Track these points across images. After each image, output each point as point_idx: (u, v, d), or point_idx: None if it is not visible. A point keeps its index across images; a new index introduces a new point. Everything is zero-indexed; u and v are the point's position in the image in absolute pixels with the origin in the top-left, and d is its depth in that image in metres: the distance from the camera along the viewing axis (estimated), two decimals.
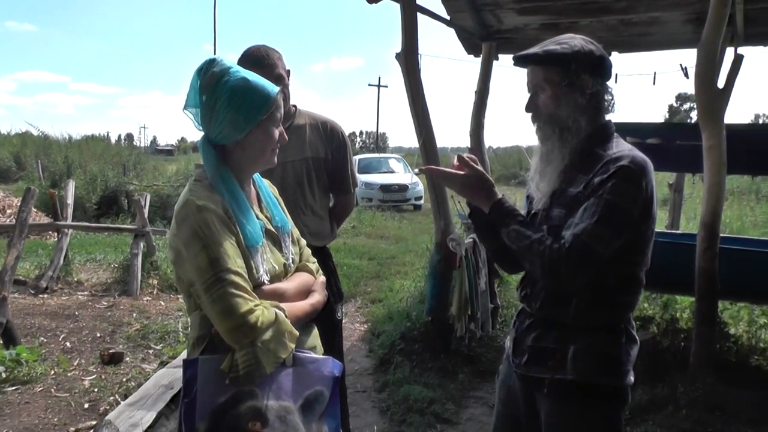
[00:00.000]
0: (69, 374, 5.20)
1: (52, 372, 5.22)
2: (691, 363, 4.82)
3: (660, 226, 10.66)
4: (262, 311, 1.86)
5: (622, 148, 2.08)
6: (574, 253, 1.92)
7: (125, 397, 4.58)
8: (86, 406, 4.62)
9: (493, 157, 35.43)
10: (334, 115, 3.54)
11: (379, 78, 52.85)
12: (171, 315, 7.01)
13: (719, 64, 5.38)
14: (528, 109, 2.20)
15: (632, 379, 2.14)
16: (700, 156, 4.76)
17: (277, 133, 2.08)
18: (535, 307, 2.19)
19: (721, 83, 4.75)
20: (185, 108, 2.04)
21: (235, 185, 2.01)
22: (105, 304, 7.39)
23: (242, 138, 2.00)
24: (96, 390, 4.89)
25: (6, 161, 25.81)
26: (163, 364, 5.33)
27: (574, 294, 2.05)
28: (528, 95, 2.20)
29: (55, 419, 4.39)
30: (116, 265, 8.74)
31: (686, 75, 5.28)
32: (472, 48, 7.48)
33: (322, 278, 2.28)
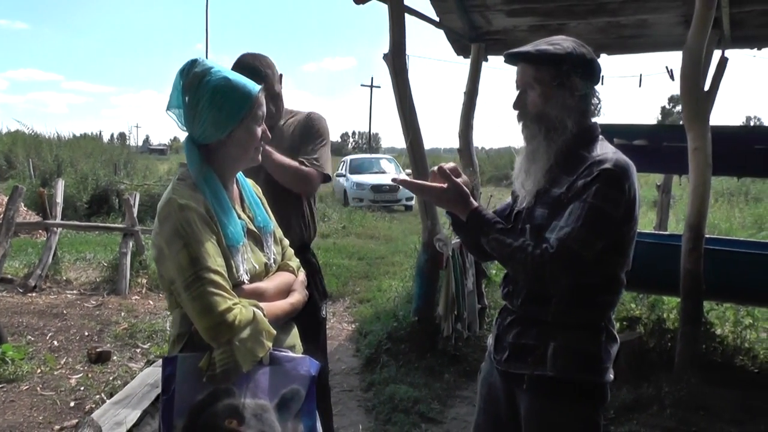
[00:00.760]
0: (56, 373, 5.20)
1: (39, 370, 5.22)
2: (676, 363, 4.85)
3: (648, 227, 10.72)
4: (240, 310, 1.87)
5: (606, 150, 2.09)
6: (558, 257, 1.93)
7: (111, 395, 4.58)
8: (72, 404, 4.62)
9: (485, 158, 35.56)
10: (326, 115, 3.42)
11: (372, 78, 52.65)
12: (159, 314, 7.00)
13: (706, 66, 5.42)
14: (515, 106, 2.20)
15: (612, 377, 2.16)
16: (686, 157, 4.79)
17: (259, 131, 2.09)
18: (516, 305, 2.21)
19: (707, 86, 4.79)
20: (168, 109, 2.06)
21: (217, 185, 2.03)
22: (93, 303, 7.39)
23: (225, 137, 2.02)
24: (82, 388, 4.90)
25: None
26: (149, 363, 5.33)
27: (555, 293, 2.07)
28: (516, 93, 2.21)
29: (41, 417, 4.39)
30: (105, 264, 8.73)
31: (672, 77, 5.31)
32: (461, 49, 7.49)
33: (302, 277, 2.30)
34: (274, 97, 3.14)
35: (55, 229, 8.68)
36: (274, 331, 1.97)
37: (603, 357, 2.12)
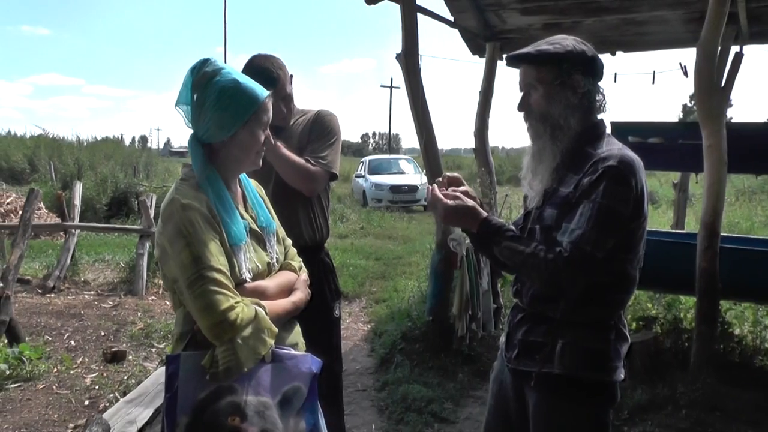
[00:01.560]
0: (71, 372, 5.25)
1: (55, 370, 5.27)
2: (691, 363, 4.81)
3: (665, 225, 10.62)
4: (243, 308, 1.89)
5: (612, 147, 2.08)
6: (573, 261, 1.92)
7: (125, 394, 4.63)
8: (86, 403, 4.66)
9: (504, 158, 35.50)
10: (346, 116, 3.36)
11: (392, 79, 52.49)
12: (175, 314, 7.03)
13: (723, 62, 5.37)
14: (520, 108, 2.22)
15: (622, 376, 2.13)
16: (702, 155, 4.74)
17: (263, 136, 2.11)
18: (525, 302, 2.21)
19: (723, 82, 4.74)
20: (177, 105, 2.08)
21: (220, 185, 2.05)
22: (110, 303, 7.45)
23: (228, 138, 2.04)
24: (97, 387, 4.94)
25: (20, 163, 25.96)
26: (164, 363, 5.36)
27: (572, 296, 2.06)
28: (520, 94, 2.21)
29: (55, 416, 4.43)
30: (123, 265, 8.81)
31: (685, 74, 5.26)
32: (476, 48, 7.47)
33: (304, 276, 2.31)
34: (285, 99, 3.15)
35: (73, 230, 8.78)
36: (276, 329, 1.98)
37: (612, 355, 2.10)
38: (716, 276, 4.71)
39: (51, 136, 29.60)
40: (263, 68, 3.05)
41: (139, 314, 6.99)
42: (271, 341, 1.96)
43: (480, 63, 7.40)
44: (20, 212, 13.04)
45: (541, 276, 1.99)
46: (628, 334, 2.19)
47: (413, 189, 20.95)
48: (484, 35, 7.01)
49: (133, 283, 8.07)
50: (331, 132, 3.24)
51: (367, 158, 26.30)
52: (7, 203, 12.96)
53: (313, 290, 2.95)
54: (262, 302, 1.99)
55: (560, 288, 1.99)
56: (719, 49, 4.74)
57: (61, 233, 9.54)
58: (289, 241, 2.38)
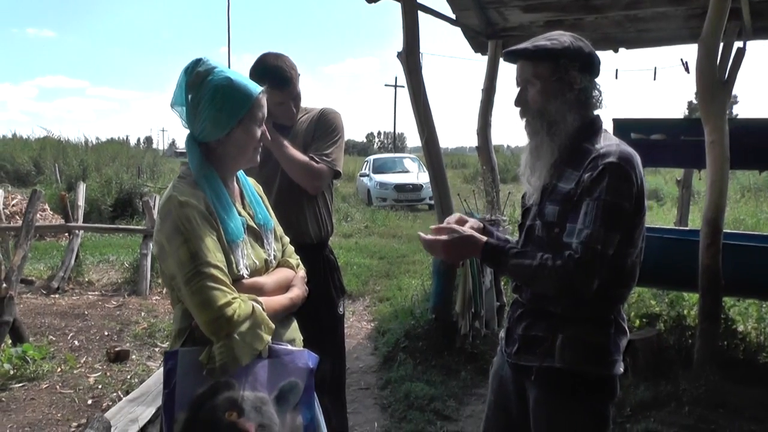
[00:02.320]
0: (75, 371, 5.27)
1: (59, 369, 5.29)
2: (695, 360, 4.79)
3: (670, 222, 10.60)
4: (240, 304, 1.90)
5: (609, 142, 2.09)
6: (584, 261, 1.93)
7: (128, 393, 4.63)
8: (89, 402, 4.68)
9: (509, 156, 35.41)
10: (351, 115, 3.36)
11: (396, 78, 52.53)
12: (173, 311, 7.05)
13: (726, 58, 5.35)
14: (517, 103, 2.22)
15: (621, 369, 2.13)
16: (704, 151, 4.73)
17: (259, 132, 2.12)
18: (526, 297, 2.21)
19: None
20: (172, 106, 2.08)
21: (217, 182, 2.06)
22: (114, 303, 7.47)
23: (224, 136, 2.05)
24: (100, 387, 4.96)
25: (26, 165, 26.03)
26: None
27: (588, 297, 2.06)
28: (517, 90, 2.22)
29: (59, 415, 4.45)
30: (127, 266, 8.84)
31: (687, 70, 5.25)
32: (478, 46, 7.46)
33: (302, 273, 2.32)
34: (296, 99, 3.16)
35: (76, 231, 8.80)
36: (273, 325, 1.99)
37: (612, 349, 2.10)
38: (719, 273, 4.69)
39: (56, 138, 29.67)
40: (276, 67, 3.06)
41: (142, 314, 7.01)
42: (268, 337, 1.96)
43: (483, 61, 7.40)
44: (24, 213, 13.16)
45: (555, 284, 1.99)
46: (627, 328, 2.18)
47: (418, 188, 20.94)
48: (486, 33, 7.00)
49: (137, 284, 8.09)
50: (334, 130, 3.25)
51: (372, 157, 26.27)
52: (13, 205, 12.99)
53: (318, 287, 2.97)
54: (259, 298, 2.00)
55: (575, 291, 1.98)
56: (722, 44, 4.73)
57: (66, 234, 9.57)
58: (286, 239, 2.39)
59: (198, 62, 2.05)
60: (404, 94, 5.59)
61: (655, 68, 6.12)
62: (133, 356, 5.66)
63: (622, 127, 5.68)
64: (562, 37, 2.14)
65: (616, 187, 1.96)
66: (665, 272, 5.10)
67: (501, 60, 7.16)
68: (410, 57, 5.36)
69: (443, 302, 5.62)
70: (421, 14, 5.55)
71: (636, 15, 6.17)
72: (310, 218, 3.22)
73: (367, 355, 5.91)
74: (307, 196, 3.19)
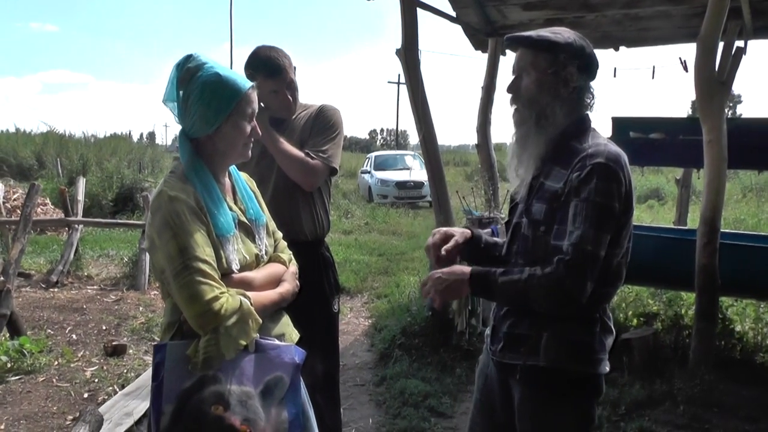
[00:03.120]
0: (72, 365, 5.27)
1: (56, 363, 5.29)
2: (690, 359, 4.79)
3: (667, 221, 10.59)
4: (227, 299, 1.91)
5: (597, 142, 2.08)
6: (576, 263, 1.92)
7: (123, 387, 4.65)
8: (85, 395, 4.68)
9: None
10: (353, 112, 3.34)
11: (399, 75, 52.43)
12: (164, 304, 7.06)
13: (726, 58, 5.34)
14: (510, 90, 2.20)
15: (607, 368, 2.12)
16: (703, 150, 4.72)
17: (248, 127, 2.12)
18: None
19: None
20: (164, 101, 2.10)
21: (208, 177, 2.07)
22: (113, 297, 7.48)
23: (213, 131, 2.06)
24: (96, 380, 4.96)
25: (28, 160, 26.02)
26: None
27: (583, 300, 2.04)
28: (512, 77, 2.20)
29: (55, 408, 4.45)
30: (126, 260, 8.85)
31: (685, 69, 5.25)
32: (478, 44, 7.45)
33: (293, 269, 2.31)
34: (290, 86, 3.15)
35: (76, 226, 8.81)
36: (261, 320, 1.99)
37: (597, 348, 2.09)
38: (716, 272, 4.69)
39: (59, 133, 29.67)
40: (267, 57, 3.08)
41: (140, 308, 7.02)
42: (255, 333, 1.97)
43: (483, 58, 7.39)
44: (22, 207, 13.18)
45: (547, 294, 1.96)
46: (613, 328, 2.17)
47: (419, 185, 20.89)
48: (486, 31, 6.99)
49: (135, 278, 8.10)
50: (332, 126, 3.23)
51: (373, 154, 26.25)
52: (14, 199, 13.02)
53: (312, 285, 2.96)
54: (248, 293, 2.00)
55: (569, 296, 1.95)
56: (722, 44, 4.72)
57: (65, 228, 9.58)
58: (279, 234, 2.40)
59: (189, 58, 2.06)
60: (407, 92, 5.59)
61: (654, 67, 6.11)
62: (130, 350, 5.67)
63: (621, 125, 5.68)
64: (566, 33, 2.14)
65: (605, 187, 1.95)
66: (663, 271, 5.10)
67: (501, 58, 7.18)
68: (409, 53, 5.37)
69: None
70: (421, 11, 5.55)
71: (636, 14, 6.15)
72: (305, 215, 3.21)
73: (364, 352, 5.91)
74: (303, 193, 3.18)
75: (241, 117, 2.08)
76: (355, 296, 8.10)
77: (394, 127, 63.47)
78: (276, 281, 2.20)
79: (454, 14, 6.75)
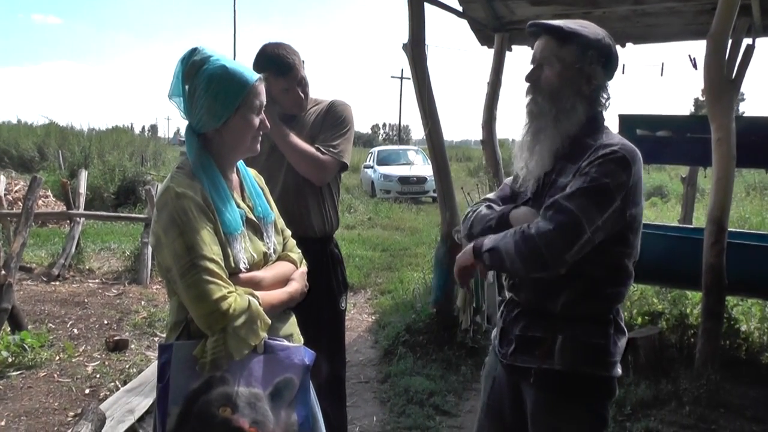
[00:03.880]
0: (73, 360, 5.24)
1: (57, 358, 5.26)
2: (696, 359, 4.76)
3: (674, 220, 10.54)
4: (235, 298, 1.87)
5: (612, 138, 2.05)
6: (558, 224, 1.88)
7: (125, 383, 4.62)
8: (87, 391, 4.65)
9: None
10: (356, 107, 3.35)
11: (402, 70, 52.46)
12: (169, 303, 7.03)
13: (735, 55, 5.29)
14: (528, 79, 2.14)
15: (620, 371, 2.10)
16: (710, 149, 4.68)
17: (257, 120, 2.08)
18: (523, 297, 2.16)
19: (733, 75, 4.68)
20: (170, 97, 2.06)
21: (215, 173, 2.03)
22: (114, 291, 7.45)
23: (221, 125, 2.02)
24: (98, 376, 4.93)
25: (29, 151, 26.00)
26: None
27: (563, 285, 2.02)
28: (531, 66, 2.14)
29: (56, 404, 4.42)
30: (128, 254, 8.82)
31: (695, 66, 5.20)
32: (485, 39, 7.40)
33: (303, 268, 2.27)
34: (301, 83, 3.10)
35: (77, 219, 8.78)
36: (269, 321, 1.96)
37: (612, 350, 2.06)
38: (723, 272, 4.65)
39: (61, 125, 29.66)
40: (276, 55, 3.02)
41: (142, 303, 6.99)
42: (264, 333, 1.94)
43: (489, 54, 7.35)
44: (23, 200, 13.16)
45: (521, 250, 1.92)
46: (624, 328, 2.15)
47: (422, 180, 20.87)
48: (493, 26, 6.94)
49: (137, 272, 8.07)
50: (344, 122, 3.20)
51: (376, 149, 26.24)
52: (15, 191, 13.01)
53: (321, 282, 2.93)
54: (256, 292, 1.97)
55: (542, 260, 1.90)
56: (731, 41, 4.67)
57: (67, 221, 9.56)
58: (288, 232, 2.35)
59: (194, 51, 2.02)
60: (410, 86, 5.58)
61: (663, 64, 6.05)
62: (132, 346, 5.63)
63: (628, 123, 5.64)
64: (596, 29, 2.09)
65: (609, 169, 1.92)
66: (669, 270, 5.06)
67: (507, 53, 7.13)
68: (416, 48, 5.32)
69: (445, 296, 5.60)
70: (427, 6, 5.51)
71: (644, 10, 6.11)
72: (314, 212, 3.18)
73: (368, 348, 5.88)
74: (312, 190, 3.15)
75: (249, 109, 2.04)
76: (358, 292, 8.06)
77: (397, 122, 63.43)
78: (285, 280, 2.16)
79: (460, 9, 6.70)
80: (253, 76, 2.04)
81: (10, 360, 5.02)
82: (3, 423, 4.11)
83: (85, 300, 7.02)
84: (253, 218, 2.14)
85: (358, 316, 7.02)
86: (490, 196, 2.36)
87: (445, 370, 5.07)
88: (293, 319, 2.23)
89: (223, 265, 1.91)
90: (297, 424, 1.94)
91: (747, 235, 6.19)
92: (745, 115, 4.83)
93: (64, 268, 8.17)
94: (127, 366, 5.13)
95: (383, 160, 23.04)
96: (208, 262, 1.86)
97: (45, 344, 5.45)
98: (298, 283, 2.18)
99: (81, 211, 9.01)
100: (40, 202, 11.71)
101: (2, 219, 8.67)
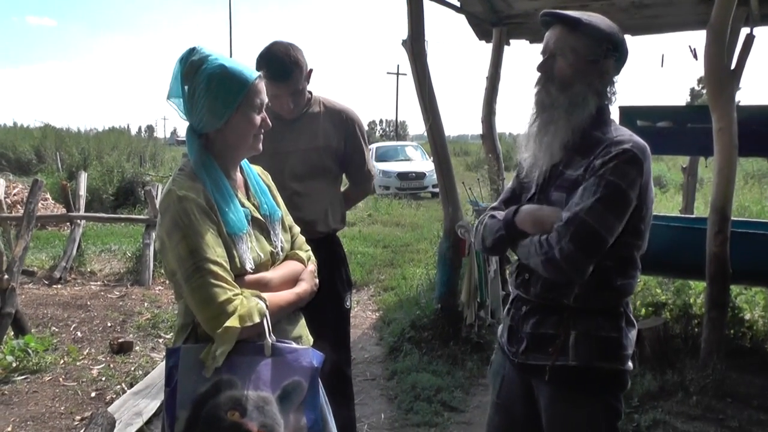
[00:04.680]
0: (78, 363, 5.23)
1: (62, 361, 5.25)
2: (702, 349, 4.75)
3: (673, 210, 10.54)
4: (241, 300, 1.86)
5: (622, 132, 2.04)
6: (574, 235, 1.88)
7: (132, 385, 4.61)
8: (93, 394, 4.64)
9: (512, 144, 35.31)
10: (352, 103, 3.42)
11: (398, 66, 52.58)
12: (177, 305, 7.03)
13: (733, 45, 5.28)
14: (541, 68, 2.11)
15: (631, 365, 2.10)
16: (712, 139, 4.67)
17: (258, 119, 2.06)
18: (533, 293, 2.13)
19: (733, 65, 4.67)
20: (169, 98, 2.04)
21: (217, 173, 2.01)
22: (117, 293, 7.44)
23: (222, 125, 2.00)
24: (104, 379, 4.92)
25: (27, 154, 26.02)
26: None
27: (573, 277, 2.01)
28: (542, 57, 2.11)
29: (62, 408, 4.41)
30: (129, 255, 8.80)
31: (695, 56, 5.18)
32: (483, 34, 7.39)
33: (312, 267, 2.25)
34: (295, 94, 3.06)
35: (78, 221, 8.76)
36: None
37: (624, 343, 2.07)
38: (727, 261, 4.63)
39: (57, 127, 29.67)
40: (278, 58, 2.97)
41: (145, 304, 6.97)
42: (258, 318, 1.91)
43: (487, 48, 7.33)
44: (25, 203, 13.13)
45: (546, 270, 1.96)
46: (634, 320, 2.15)
47: (421, 176, 20.86)
48: (491, 20, 6.93)
49: (139, 273, 8.05)
50: (365, 140, 3.37)
51: (374, 146, 26.18)
52: (14, 194, 12.96)
53: (325, 281, 2.92)
54: (264, 294, 1.95)
55: (566, 276, 1.93)
56: (729, 30, 4.66)
57: (67, 224, 9.54)
58: (297, 229, 2.33)
59: (192, 51, 2.01)
60: (406, 82, 5.59)
61: (663, 55, 6.02)
62: (137, 348, 5.62)
63: (629, 114, 5.62)
64: (608, 22, 2.07)
65: (623, 170, 1.91)
66: (672, 260, 5.05)
67: (506, 47, 7.12)
68: (415, 43, 5.30)
69: (448, 292, 5.59)
70: (426, 2, 5.49)
71: (642, 1, 6.09)
72: (319, 210, 3.18)
73: (373, 346, 5.87)
74: (318, 189, 3.16)
75: (250, 108, 2.02)
76: (361, 289, 8.05)
77: (394, 118, 63.39)
78: (293, 280, 2.14)
79: (458, 4, 6.68)
80: (253, 74, 2.03)
81: (14, 365, 4.99)
82: (10, 429, 4.10)
83: (88, 302, 7.00)
84: (259, 216, 2.13)
85: (362, 313, 7.01)
86: (494, 204, 2.36)
87: (451, 365, 5.06)
88: (303, 321, 2.22)
89: (228, 267, 1.89)
90: (306, 427, 1.93)
91: (749, 223, 6.17)
92: (741, 104, 4.78)
93: (66, 270, 8.14)
94: (132, 368, 5.12)
95: (381, 157, 22.97)
96: (212, 265, 1.84)
97: (49, 348, 5.44)
98: (307, 283, 2.15)
99: (81, 213, 8.99)
100: (39, 204, 11.68)
101: (2, 222, 8.64)
